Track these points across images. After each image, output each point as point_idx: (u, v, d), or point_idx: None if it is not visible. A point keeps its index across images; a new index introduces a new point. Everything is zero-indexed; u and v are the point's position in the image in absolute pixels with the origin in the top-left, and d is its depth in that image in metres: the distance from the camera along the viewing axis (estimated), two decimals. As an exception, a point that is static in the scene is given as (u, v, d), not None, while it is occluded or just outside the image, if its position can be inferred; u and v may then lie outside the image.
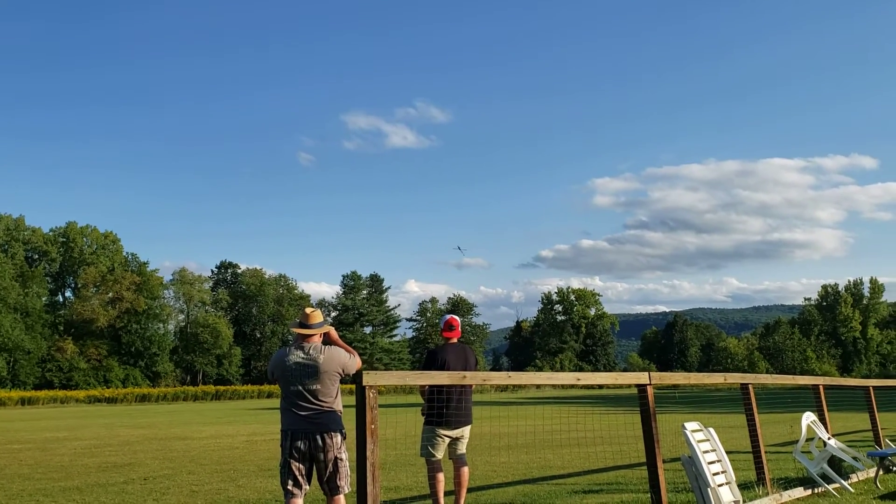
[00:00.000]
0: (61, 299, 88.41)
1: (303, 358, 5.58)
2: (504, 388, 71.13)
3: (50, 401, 59.70)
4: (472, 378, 6.18)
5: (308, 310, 5.84)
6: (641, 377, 6.65)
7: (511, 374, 6.41)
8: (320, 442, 5.50)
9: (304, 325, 5.74)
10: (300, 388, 5.51)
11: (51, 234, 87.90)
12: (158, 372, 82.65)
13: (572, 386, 73.98)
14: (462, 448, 7.48)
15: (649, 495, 6.47)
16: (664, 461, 6.52)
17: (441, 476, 7.26)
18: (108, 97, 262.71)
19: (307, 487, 5.54)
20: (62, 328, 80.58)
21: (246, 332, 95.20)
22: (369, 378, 5.39)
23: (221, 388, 72.27)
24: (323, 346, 5.70)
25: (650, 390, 6.59)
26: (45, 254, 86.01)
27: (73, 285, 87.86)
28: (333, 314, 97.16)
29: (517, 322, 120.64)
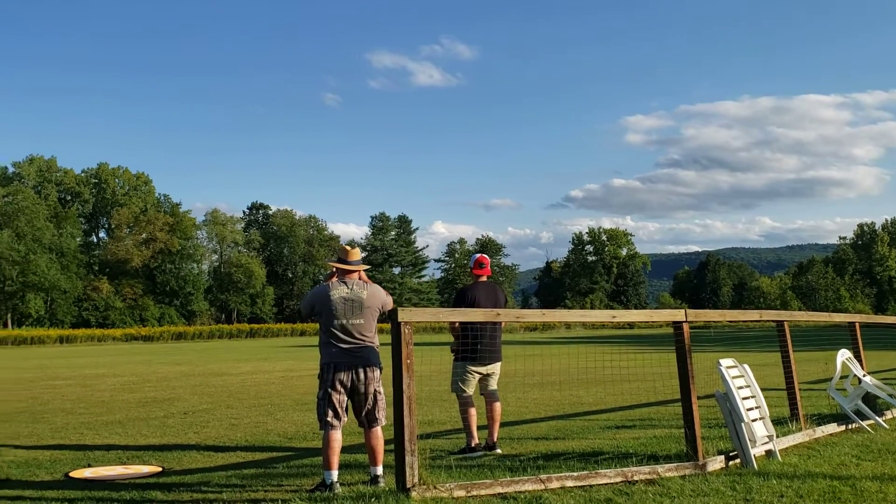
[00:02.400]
0: (95, 240, 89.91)
1: (347, 293, 5.67)
2: (534, 328, 71.60)
3: (87, 339, 61.19)
4: (505, 315, 6.18)
5: (348, 246, 5.90)
6: (677, 314, 6.58)
7: (545, 311, 6.39)
8: (362, 375, 5.61)
9: (344, 261, 5.80)
10: (344, 322, 5.60)
11: (83, 175, 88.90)
12: (193, 311, 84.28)
13: (602, 326, 74.28)
14: (493, 384, 7.55)
15: (683, 430, 6.47)
16: (698, 398, 6.51)
17: (473, 410, 7.35)
18: (145, 48, 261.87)
19: (345, 419, 5.65)
20: (97, 268, 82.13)
21: (278, 272, 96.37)
22: (405, 314, 5.42)
23: (255, 326, 73.52)
24: (365, 283, 5.78)
25: (686, 327, 6.53)
26: (77, 195, 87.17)
27: (106, 226, 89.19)
28: (362, 255, 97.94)
29: (547, 263, 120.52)
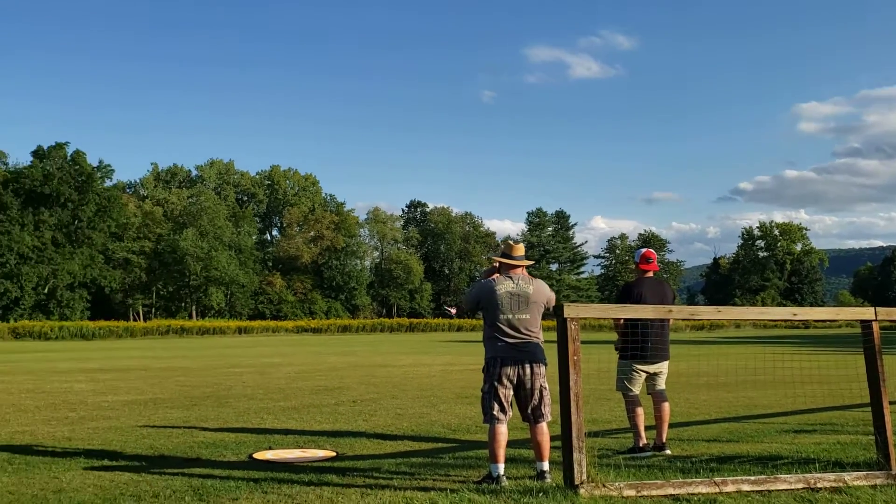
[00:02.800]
0: (269, 237, 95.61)
1: (513, 288, 5.67)
2: (700, 327, 68.89)
3: (263, 330, 65.17)
4: (678, 312, 5.96)
5: (513, 242, 5.91)
6: (866, 312, 6.09)
7: (721, 308, 6.10)
8: (528, 370, 5.60)
9: (509, 256, 5.81)
10: (510, 317, 5.60)
11: (257, 176, 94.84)
12: (357, 305, 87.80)
13: (774, 325, 70.21)
14: (661, 383, 7.32)
15: (872, 437, 5.99)
16: (889, 402, 5.99)
17: (640, 410, 7.15)
18: (307, 52, 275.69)
19: (510, 414, 5.65)
20: (271, 264, 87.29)
21: (435, 269, 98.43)
22: (571, 310, 5.35)
23: (414, 320, 75.48)
24: (531, 278, 5.76)
25: (875, 327, 6.03)
26: (253, 195, 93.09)
27: (278, 225, 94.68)
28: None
29: (714, 259, 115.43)
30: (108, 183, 74.25)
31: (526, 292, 5.66)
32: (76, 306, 67.79)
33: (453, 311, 59.33)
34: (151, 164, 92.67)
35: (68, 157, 70.31)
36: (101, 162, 73.07)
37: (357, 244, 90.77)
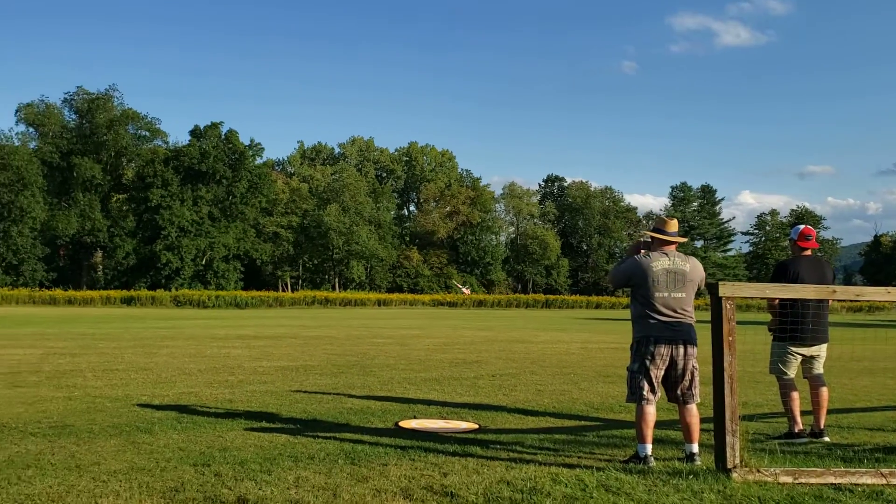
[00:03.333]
0: (406, 213, 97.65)
1: (669, 265, 5.51)
2: (858, 309, 64.61)
3: (400, 303, 66.87)
4: (842, 293, 5.60)
5: (666, 217, 5.73)
6: None
7: (891, 289, 5.66)
8: (682, 351, 5.46)
9: (662, 231, 5.64)
10: (666, 295, 5.46)
11: (396, 153, 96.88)
12: (492, 280, 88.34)
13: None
14: (818, 367, 6.95)
15: None
16: None
17: (796, 395, 6.82)
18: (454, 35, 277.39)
19: (659, 394, 5.53)
20: (408, 239, 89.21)
21: (573, 244, 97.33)
22: (726, 289, 5.16)
23: (550, 296, 75.10)
24: (686, 256, 5.58)
25: None
26: (391, 172, 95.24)
27: (415, 200, 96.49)
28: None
29: (875, 237, 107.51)
30: (258, 161, 78.13)
31: (683, 270, 5.49)
32: (230, 277, 72.09)
33: (467, 290, 57.36)
34: (298, 142, 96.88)
35: (222, 136, 74.51)
36: (252, 140, 77.04)
37: (492, 219, 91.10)
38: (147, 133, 77.65)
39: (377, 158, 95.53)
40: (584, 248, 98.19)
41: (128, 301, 56.07)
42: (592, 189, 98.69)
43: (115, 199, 75.49)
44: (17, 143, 70.61)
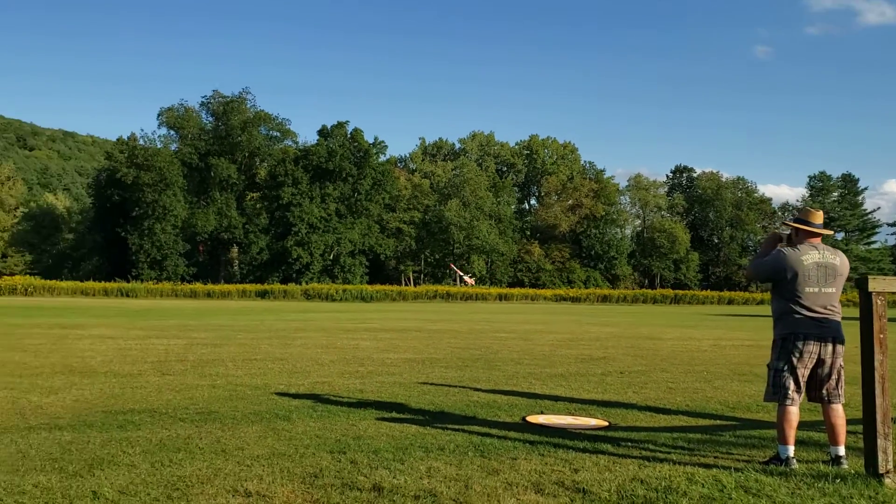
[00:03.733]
0: (527, 207, 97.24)
1: (819, 259, 5.22)
2: None
3: (521, 297, 66.70)
4: None
5: (812, 208, 5.43)
6: None
7: None
8: (831, 349, 5.17)
9: (807, 222, 5.34)
10: (816, 290, 5.18)
11: (517, 147, 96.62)
12: (617, 275, 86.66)
13: None
14: None
15: None
16: None
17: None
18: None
19: (803, 393, 5.27)
20: (529, 233, 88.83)
21: (703, 237, 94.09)
22: (877, 284, 4.86)
23: (679, 292, 72.88)
24: (834, 249, 5.28)
25: None
26: (512, 166, 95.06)
27: (536, 194, 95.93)
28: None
29: None
30: (382, 158, 79.96)
31: (833, 264, 5.20)
32: (356, 271, 74.19)
33: (470, 280, 54.65)
34: (419, 138, 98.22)
35: (348, 135, 76.72)
36: (376, 139, 78.93)
37: (617, 212, 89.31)
38: (278, 133, 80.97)
39: (497, 153, 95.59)
40: (715, 241, 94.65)
41: (262, 294, 58.76)
42: (723, 180, 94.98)
43: (249, 197, 79.22)
44: (159, 146, 75.36)
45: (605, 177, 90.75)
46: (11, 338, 15.68)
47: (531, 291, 70.28)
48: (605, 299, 67.36)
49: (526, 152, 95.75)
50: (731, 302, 67.68)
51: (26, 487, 4.61)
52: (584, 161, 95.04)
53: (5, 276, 64.35)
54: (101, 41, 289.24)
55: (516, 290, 70.03)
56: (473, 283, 57.02)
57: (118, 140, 77.20)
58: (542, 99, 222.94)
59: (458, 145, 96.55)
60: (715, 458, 5.60)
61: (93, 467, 5.08)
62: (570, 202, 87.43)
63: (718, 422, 7.41)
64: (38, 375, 9.80)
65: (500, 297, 65.64)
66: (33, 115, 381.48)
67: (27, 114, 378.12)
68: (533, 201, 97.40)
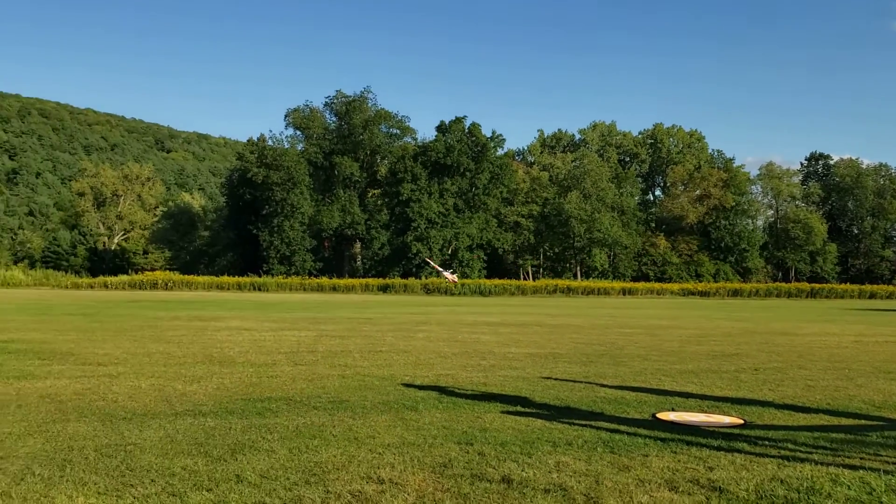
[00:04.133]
0: (651, 198, 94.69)
1: None
2: None
3: (647, 292, 65.02)
4: None
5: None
6: None
7: None
8: None
9: None
10: None
11: (640, 136, 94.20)
12: (749, 267, 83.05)
13: None
14: None
15: None
16: None
17: None
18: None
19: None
20: (653, 225, 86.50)
21: (841, 228, 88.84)
22: None
23: (816, 285, 69.00)
24: None
25: None
26: (635, 156, 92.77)
27: (661, 184, 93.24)
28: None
29: None
30: (499, 152, 79.92)
31: None
32: (475, 265, 74.58)
33: (451, 277, 50.63)
34: (538, 130, 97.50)
35: (466, 130, 77.15)
36: (493, 132, 78.97)
37: (748, 202, 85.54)
38: (398, 131, 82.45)
39: (620, 143, 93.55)
40: (855, 231, 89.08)
41: (383, 288, 60.07)
42: (864, 167, 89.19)
43: (370, 194, 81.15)
44: (286, 146, 78.36)
45: (734, 166, 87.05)
46: (155, 330, 16.72)
47: (657, 285, 68.39)
48: (735, 293, 64.71)
49: (650, 142, 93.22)
50: (873, 296, 63.56)
51: (175, 469, 4.90)
52: (712, 150, 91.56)
53: (147, 272, 68.79)
54: (230, 47, 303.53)
55: (641, 285, 68.32)
56: (456, 279, 55.68)
57: (248, 141, 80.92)
58: (665, 87, 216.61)
59: (577, 136, 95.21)
60: (861, 459, 5.28)
61: (235, 452, 5.35)
62: (697, 192, 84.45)
63: (863, 421, 6.97)
64: (182, 365, 10.41)
65: (624, 292, 64.24)
66: (170, 119, 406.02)
67: (164, 118, 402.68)
68: (658, 192, 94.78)
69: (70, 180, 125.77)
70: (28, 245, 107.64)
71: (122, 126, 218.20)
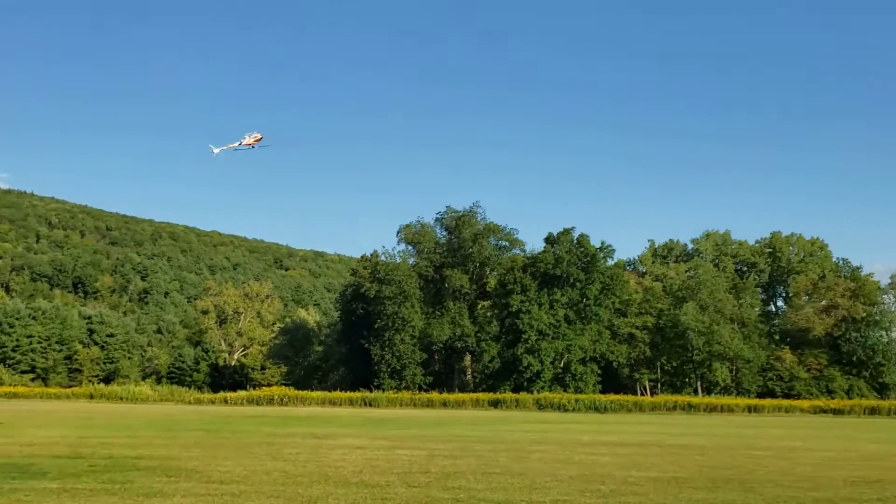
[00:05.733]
0: (773, 309, 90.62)
1: None
2: None
3: (773, 409, 61.24)
4: None
5: None
6: None
7: None
8: None
9: None
10: None
11: (757, 245, 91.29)
12: (886, 383, 77.12)
13: None
14: None
15: None
16: None
17: None
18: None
19: None
20: (777, 338, 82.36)
21: None
22: None
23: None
24: None
25: None
26: (753, 265, 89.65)
27: (783, 294, 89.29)
28: None
29: None
30: (609, 262, 79.04)
31: None
32: (588, 380, 72.55)
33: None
34: (648, 240, 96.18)
35: (574, 241, 77.06)
36: (602, 243, 78.37)
37: (880, 313, 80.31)
38: (506, 243, 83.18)
39: (735, 252, 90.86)
40: None
41: (494, 403, 59.12)
42: None
43: (480, 306, 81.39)
44: (398, 261, 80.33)
45: (862, 274, 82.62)
46: (273, 447, 16.96)
47: (784, 402, 64.35)
48: (873, 412, 60.00)
49: (768, 250, 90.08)
50: None
51: None
52: (837, 258, 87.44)
53: (264, 387, 70.61)
54: (346, 169, 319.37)
55: (767, 402, 64.43)
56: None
57: (362, 257, 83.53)
58: (782, 194, 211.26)
59: (690, 246, 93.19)
60: None
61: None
62: (823, 303, 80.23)
63: None
64: (299, 485, 10.44)
65: (749, 409, 60.74)
66: (289, 238, 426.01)
67: (284, 237, 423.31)
68: (780, 303, 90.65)
69: (195, 299, 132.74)
70: (156, 361, 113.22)
71: (245, 246, 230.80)
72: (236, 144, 48.12)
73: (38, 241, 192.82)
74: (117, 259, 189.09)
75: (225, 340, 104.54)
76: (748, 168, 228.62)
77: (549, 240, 78.83)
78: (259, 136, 51.19)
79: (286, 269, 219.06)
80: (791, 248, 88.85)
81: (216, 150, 52.20)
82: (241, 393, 64.49)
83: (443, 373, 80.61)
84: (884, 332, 79.74)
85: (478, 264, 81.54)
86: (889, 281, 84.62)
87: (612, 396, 62.21)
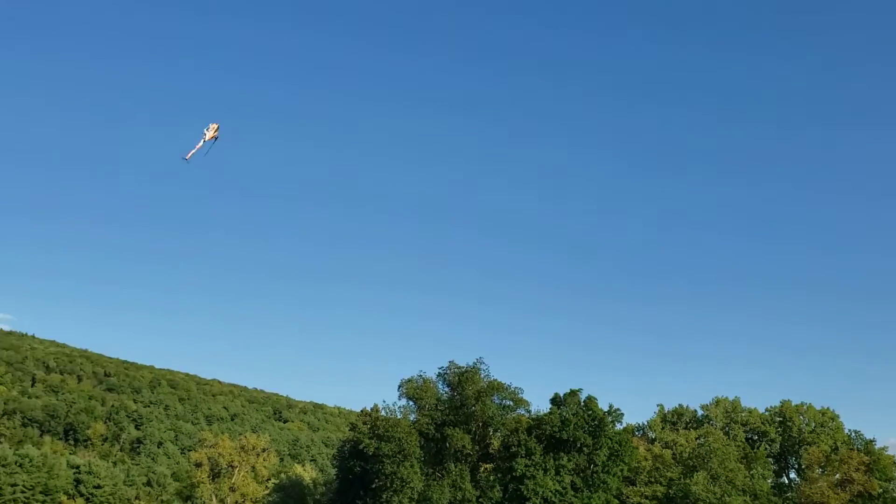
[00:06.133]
0: (786, 481, 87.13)
1: None
2: None
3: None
4: None
5: None
6: None
7: None
8: None
9: None
10: None
11: (767, 413, 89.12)
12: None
13: None
14: None
15: None
16: None
17: None
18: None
19: None
20: (792, 512, 78.63)
21: None
22: None
23: None
24: None
25: None
26: (763, 434, 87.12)
27: (796, 466, 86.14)
28: None
29: None
30: (618, 426, 76.77)
31: None
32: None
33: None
34: (657, 405, 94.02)
35: (581, 403, 75.14)
36: (611, 406, 76.44)
37: (897, 489, 77.15)
38: (511, 402, 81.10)
39: (745, 420, 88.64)
40: None
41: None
42: None
43: (482, 468, 78.27)
44: (399, 416, 78.08)
45: (876, 448, 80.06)
46: None
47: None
48: None
49: (778, 419, 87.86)
50: None
51: None
52: (849, 430, 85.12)
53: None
54: (348, 323, 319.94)
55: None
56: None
57: (362, 411, 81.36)
58: (791, 361, 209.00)
59: (700, 412, 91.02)
60: None
61: None
62: (837, 476, 77.16)
63: None
64: None
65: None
66: (289, 389, 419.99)
67: (284, 387, 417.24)
68: (793, 474, 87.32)
69: (189, 450, 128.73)
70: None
71: (244, 396, 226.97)
72: (200, 144, 48.99)
73: (33, 385, 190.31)
74: (112, 406, 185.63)
75: (216, 496, 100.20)
76: (756, 332, 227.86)
77: (556, 401, 77.12)
78: (216, 126, 52.22)
79: (284, 422, 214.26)
80: (801, 417, 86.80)
81: (187, 157, 52.94)
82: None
83: (441, 539, 76.33)
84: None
85: (481, 424, 79.34)
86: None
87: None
